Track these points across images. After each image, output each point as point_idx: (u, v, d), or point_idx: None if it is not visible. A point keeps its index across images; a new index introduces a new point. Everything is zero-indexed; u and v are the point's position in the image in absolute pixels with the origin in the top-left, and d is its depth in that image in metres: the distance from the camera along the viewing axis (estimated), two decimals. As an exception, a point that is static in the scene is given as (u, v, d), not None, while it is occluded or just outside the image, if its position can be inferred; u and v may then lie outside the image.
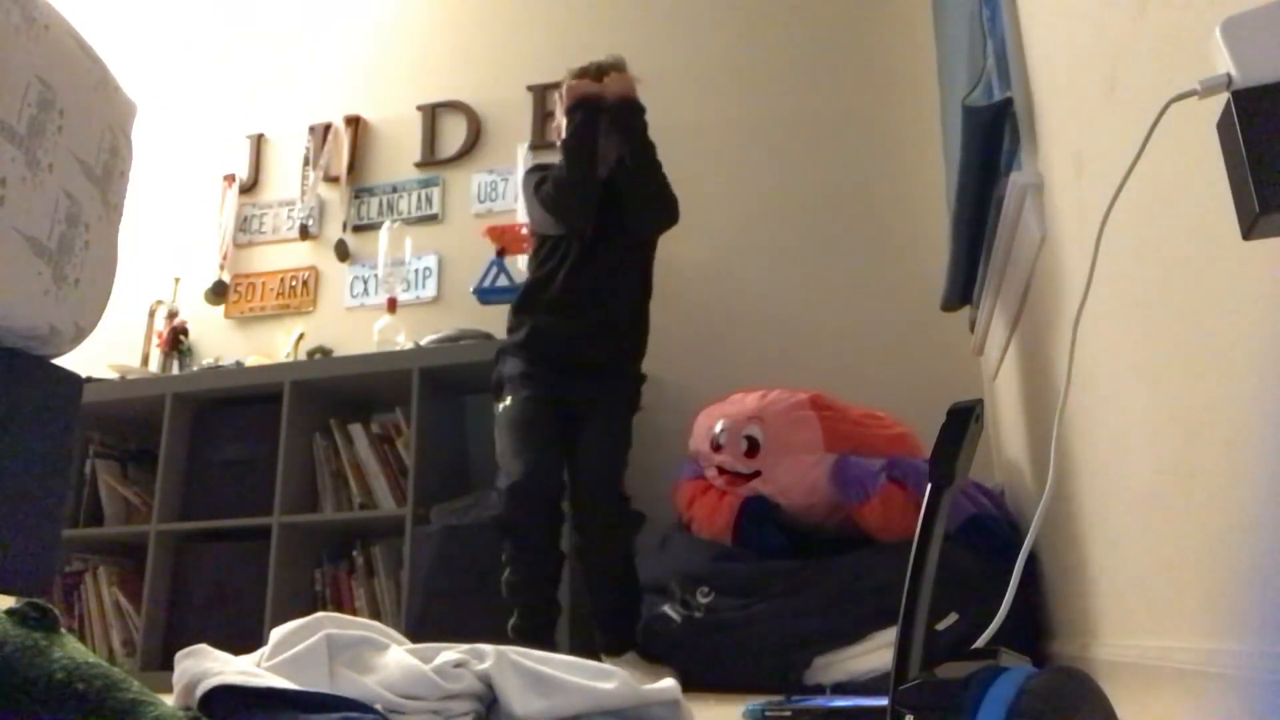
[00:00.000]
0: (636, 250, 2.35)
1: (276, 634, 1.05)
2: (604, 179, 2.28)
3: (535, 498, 2.07)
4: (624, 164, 2.28)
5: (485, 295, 2.96)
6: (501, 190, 3.33)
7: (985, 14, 1.82)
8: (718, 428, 2.25)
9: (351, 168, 3.51)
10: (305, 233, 3.49)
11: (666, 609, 2.11)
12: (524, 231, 2.93)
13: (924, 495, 0.67)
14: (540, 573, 2.10)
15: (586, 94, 2.27)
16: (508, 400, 2.20)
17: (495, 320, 2.91)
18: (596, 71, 2.31)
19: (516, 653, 1.05)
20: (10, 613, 0.74)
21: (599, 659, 1.84)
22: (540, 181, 2.28)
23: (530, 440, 2.12)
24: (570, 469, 2.17)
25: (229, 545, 2.82)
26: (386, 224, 3.29)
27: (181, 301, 3.47)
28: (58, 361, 1.24)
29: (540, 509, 2.08)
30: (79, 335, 1.24)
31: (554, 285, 2.26)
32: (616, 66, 2.32)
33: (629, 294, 2.33)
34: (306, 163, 3.57)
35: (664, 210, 2.31)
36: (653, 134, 2.30)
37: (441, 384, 2.84)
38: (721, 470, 2.23)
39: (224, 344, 3.41)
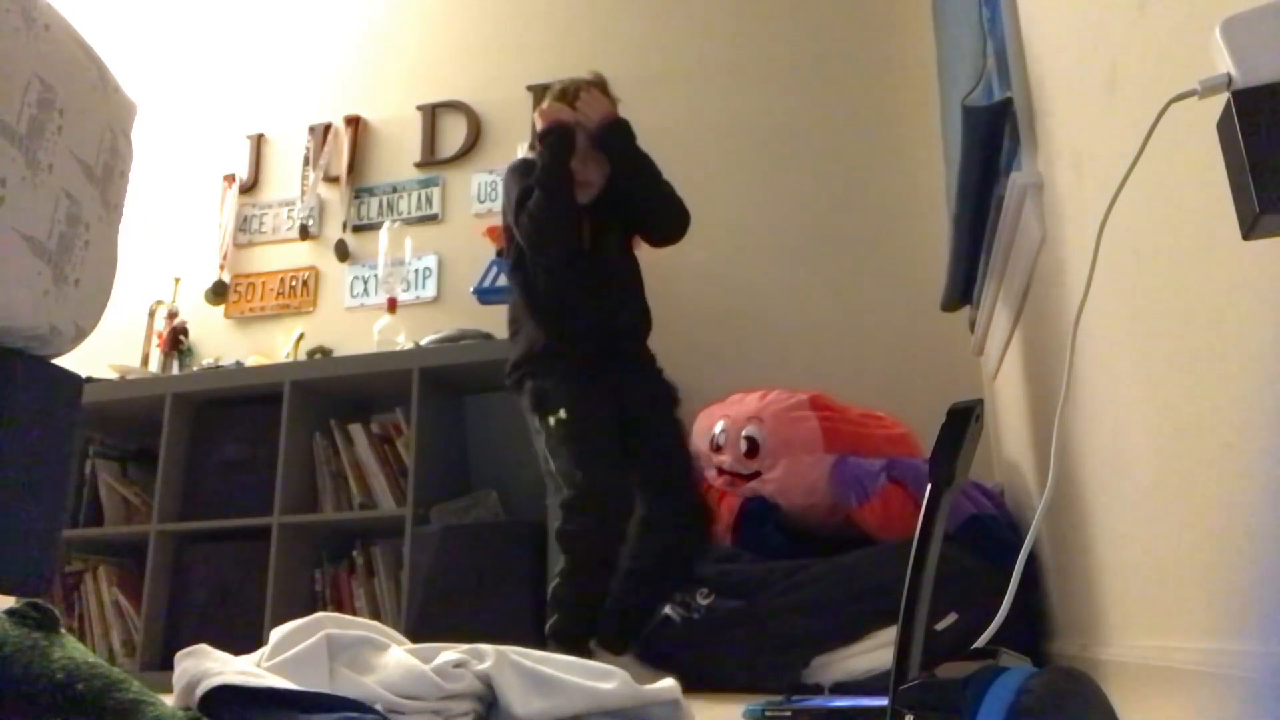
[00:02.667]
0: (628, 243, 2.36)
1: (276, 634, 1.05)
2: (590, 204, 2.23)
3: (606, 511, 2.04)
4: (625, 183, 2.24)
5: (485, 295, 2.96)
6: (501, 190, 3.33)
7: (985, 14, 1.82)
8: (717, 428, 2.25)
9: (351, 168, 3.51)
10: (305, 233, 3.49)
11: (667, 610, 2.11)
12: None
13: (924, 495, 0.67)
14: (597, 587, 2.07)
15: (556, 120, 2.20)
16: (561, 413, 2.10)
17: (495, 320, 2.90)
18: (575, 91, 2.25)
19: (516, 653, 1.05)
20: (10, 613, 0.74)
21: (592, 657, 1.83)
22: (522, 196, 2.18)
23: (596, 452, 2.08)
24: (645, 471, 2.15)
25: (229, 545, 2.82)
26: (386, 224, 3.29)
27: (181, 301, 3.47)
28: (58, 362, 1.24)
29: (609, 522, 2.05)
30: (79, 335, 1.24)
31: (576, 305, 2.21)
32: (596, 85, 2.27)
33: (638, 285, 2.35)
34: (306, 163, 3.57)
35: (682, 216, 2.30)
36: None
37: (441, 384, 2.84)
38: (721, 471, 2.23)
39: (224, 344, 3.41)
